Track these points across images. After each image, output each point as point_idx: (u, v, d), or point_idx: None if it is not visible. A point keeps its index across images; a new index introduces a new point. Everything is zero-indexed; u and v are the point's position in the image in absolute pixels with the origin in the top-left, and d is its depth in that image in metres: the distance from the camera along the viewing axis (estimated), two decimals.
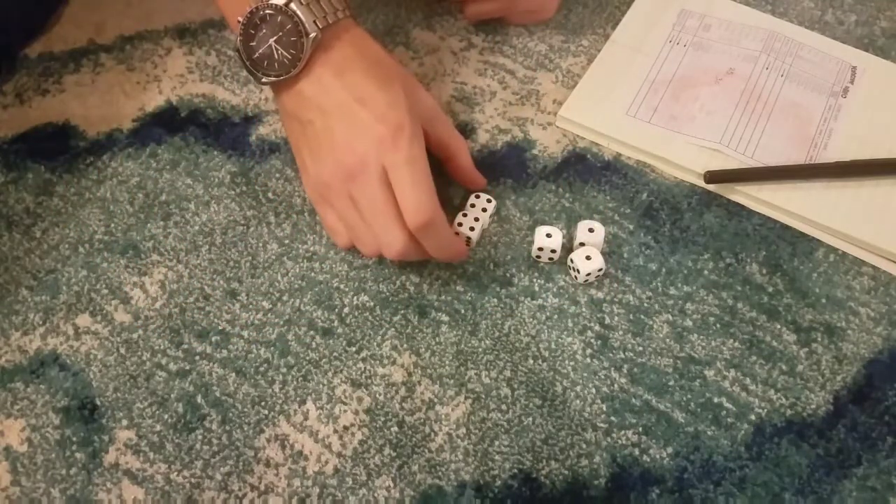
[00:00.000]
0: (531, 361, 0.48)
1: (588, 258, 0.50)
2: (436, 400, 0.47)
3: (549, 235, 0.50)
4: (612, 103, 0.58)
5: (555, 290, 0.51)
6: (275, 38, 0.45)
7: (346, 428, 0.46)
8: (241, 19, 0.45)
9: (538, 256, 0.51)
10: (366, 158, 0.44)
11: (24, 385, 0.47)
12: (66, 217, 0.53)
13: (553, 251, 0.51)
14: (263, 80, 0.46)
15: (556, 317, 0.50)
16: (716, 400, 0.47)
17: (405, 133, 0.44)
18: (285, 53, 0.45)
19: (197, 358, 0.48)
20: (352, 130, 0.45)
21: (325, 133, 0.45)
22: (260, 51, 0.45)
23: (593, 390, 0.47)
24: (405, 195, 0.44)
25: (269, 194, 0.54)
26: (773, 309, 0.50)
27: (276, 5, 0.44)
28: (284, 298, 0.50)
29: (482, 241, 0.52)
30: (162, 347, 0.48)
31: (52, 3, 0.63)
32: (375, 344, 0.49)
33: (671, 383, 0.48)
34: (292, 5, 0.44)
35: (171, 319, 0.49)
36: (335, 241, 0.50)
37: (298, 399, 0.47)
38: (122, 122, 0.57)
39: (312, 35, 0.44)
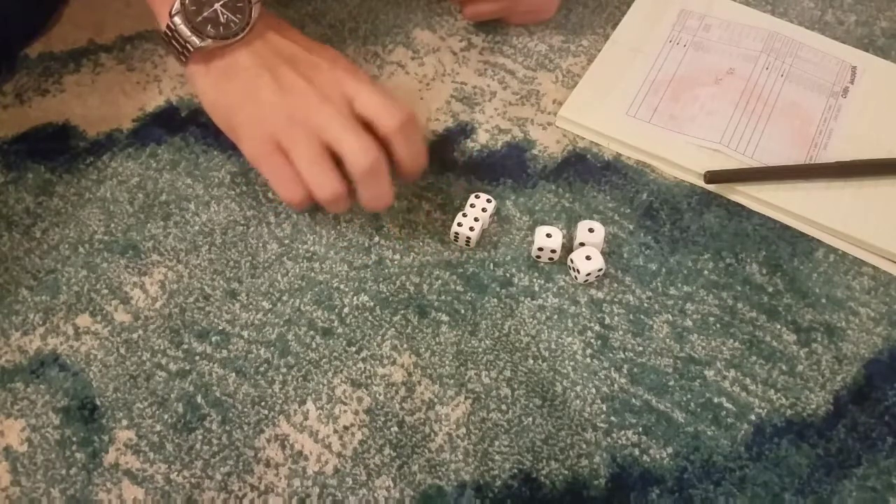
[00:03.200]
0: (531, 361, 0.48)
1: (588, 258, 0.50)
2: (436, 400, 0.47)
3: (549, 235, 0.50)
4: (612, 103, 0.58)
5: (555, 290, 0.51)
6: (220, 2, 0.47)
7: (346, 428, 0.46)
8: None
9: (538, 256, 0.51)
10: (330, 90, 0.46)
11: (24, 385, 0.47)
12: (66, 217, 0.53)
13: (553, 251, 0.51)
14: (204, 42, 0.46)
15: (556, 317, 0.50)
16: (716, 400, 0.47)
17: (359, 70, 0.49)
18: (232, 17, 0.47)
19: (197, 358, 0.48)
20: (310, 72, 0.47)
21: (282, 80, 0.47)
22: (204, 14, 0.46)
23: (593, 390, 0.47)
24: (377, 104, 0.46)
25: (269, 194, 0.54)
26: (773, 309, 0.50)
27: None
28: (284, 298, 0.50)
29: (482, 241, 0.52)
30: (162, 347, 0.48)
31: (52, 3, 0.63)
32: (375, 344, 0.49)
33: (671, 383, 0.48)
34: None
35: (171, 319, 0.49)
36: (288, 196, 0.48)
37: (298, 399, 0.47)
38: (122, 122, 0.57)
39: (257, 2, 0.47)
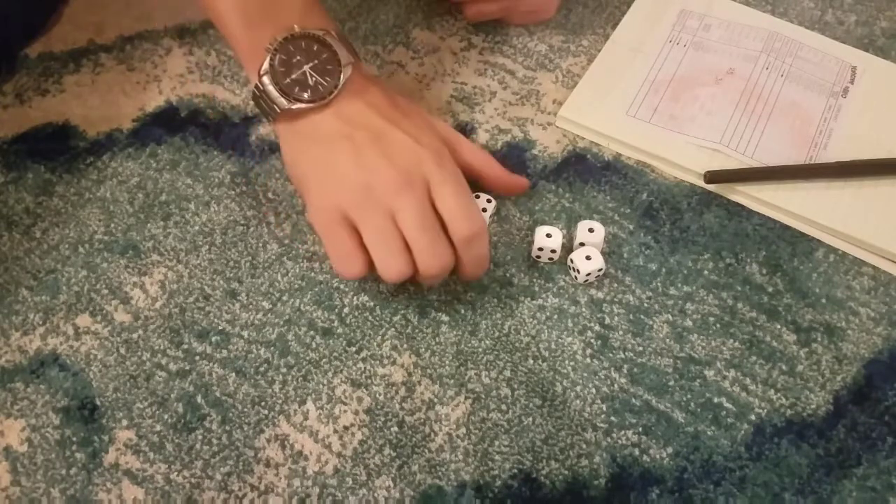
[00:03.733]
0: (531, 361, 0.48)
1: (588, 258, 0.50)
2: (436, 400, 0.47)
3: (549, 235, 0.50)
4: (612, 103, 0.58)
5: (555, 290, 0.51)
6: (310, 64, 0.46)
7: (346, 428, 0.46)
8: (271, 45, 0.46)
9: (538, 256, 0.51)
10: (411, 174, 0.45)
11: (24, 385, 0.47)
12: (66, 217, 0.53)
13: (553, 251, 0.51)
14: (294, 106, 0.46)
15: (556, 317, 0.50)
16: (716, 400, 0.47)
17: (444, 152, 0.46)
18: (321, 80, 0.46)
19: (197, 358, 0.48)
20: (392, 149, 0.45)
21: (360, 153, 0.45)
22: (292, 76, 0.46)
23: (593, 390, 0.47)
24: (454, 207, 0.45)
25: (269, 194, 0.54)
26: (773, 309, 0.50)
27: (313, 34, 0.46)
28: (284, 298, 0.50)
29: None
30: (162, 347, 0.48)
31: (52, 3, 0.63)
32: (375, 344, 0.49)
33: (671, 383, 0.48)
34: (327, 37, 0.46)
35: (171, 319, 0.49)
36: (344, 270, 0.46)
37: (298, 399, 0.47)
38: (122, 122, 0.57)
39: (348, 65, 0.46)
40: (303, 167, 0.47)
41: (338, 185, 0.45)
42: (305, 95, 0.46)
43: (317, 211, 0.47)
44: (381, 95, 0.48)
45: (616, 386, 0.47)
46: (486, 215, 0.52)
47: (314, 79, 0.46)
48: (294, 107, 0.46)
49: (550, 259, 0.51)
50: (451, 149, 0.48)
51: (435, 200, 0.45)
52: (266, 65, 0.46)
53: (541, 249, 0.51)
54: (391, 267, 0.45)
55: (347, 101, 0.47)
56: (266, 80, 0.46)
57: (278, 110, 0.46)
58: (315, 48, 0.46)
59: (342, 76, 0.46)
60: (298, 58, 0.46)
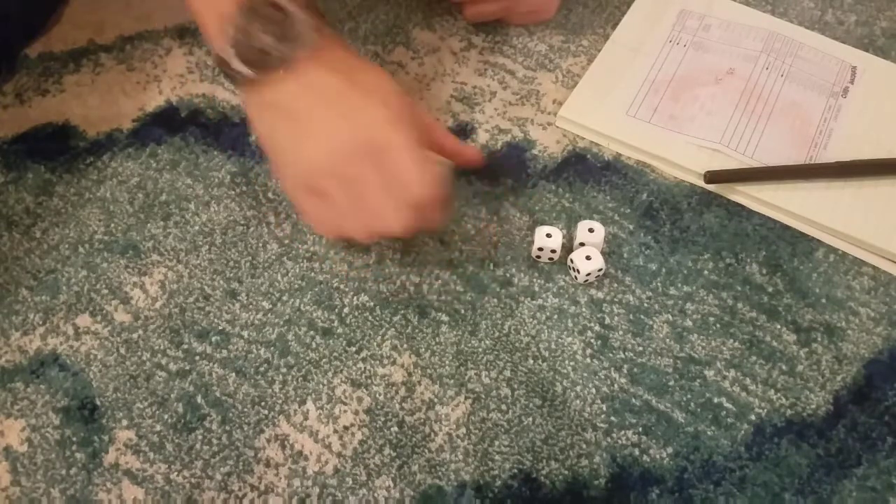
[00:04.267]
0: (531, 361, 0.48)
1: (588, 258, 0.50)
2: (436, 400, 0.47)
3: (549, 235, 0.50)
4: (612, 103, 0.58)
5: (555, 290, 0.51)
6: (269, 32, 0.44)
7: (346, 428, 0.46)
8: (230, 13, 0.44)
9: (538, 256, 0.51)
10: (373, 137, 0.44)
11: (24, 385, 0.47)
12: (66, 217, 0.53)
13: (553, 251, 0.51)
14: (250, 73, 0.45)
15: (556, 317, 0.50)
16: (716, 400, 0.47)
17: (407, 115, 0.45)
18: (280, 47, 0.44)
19: (197, 358, 0.48)
20: (355, 112, 0.45)
21: (324, 119, 0.45)
22: (251, 44, 0.45)
23: (593, 390, 0.47)
24: (412, 170, 0.45)
25: (269, 194, 0.54)
26: (773, 309, 0.50)
27: (273, 2, 0.45)
28: (284, 298, 0.50)
29: (482, 241, 0.52)
30: (162, 347, 0.48)
31: (52, 3, 0.63)
32: (375, 344, 0.49)
33: (671, 383, 0.48)
34: (284, 2, 0.45)
35: (171, 319, 0.49)
36: (321, 232, 0.49)
37: (298, 399, 0.47)
38: (122, 122, 0.57)
39: (307, 33, 0.45)
40: (268, 136, 0.48)
41: (304, 157, 0.46)
42: (265, 64, 0.45)
43: (284, 179, 0.48)
44: (344, 60, 0.47)
45: (616, 386, 0.47)
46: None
47: (274, 46, 0.44)
48: (254, 75, 0.45)
49: (550, 259, 0.51)
50: (411, 113, 0.48)
51: (393, 163, 0.45)
52: (226, 33, 0.45)
53: (541, 249, 0.51)
54: (359, 228, 0.47)
55: (309, 69, 0.45)
56: (226, 48, 0.45)
57: (240, 79, 0.46)
58: (275, 15, 0.45)
59: (302, 43, 0.45)
60: (258, 25, 0.44)
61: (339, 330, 0.49)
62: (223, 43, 0.45)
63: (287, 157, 0.47)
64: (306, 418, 0.46)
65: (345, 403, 0.47)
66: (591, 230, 0.51)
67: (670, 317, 0.50)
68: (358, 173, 0.45)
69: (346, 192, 0.45)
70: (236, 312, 0.49)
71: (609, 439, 0.46)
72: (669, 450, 0.45)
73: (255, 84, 0.46)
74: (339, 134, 0.45)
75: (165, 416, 0.46)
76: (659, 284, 0.51)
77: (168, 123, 0.57)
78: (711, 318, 0.50)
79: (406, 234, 0.46)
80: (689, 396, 0.47)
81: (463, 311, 0.50)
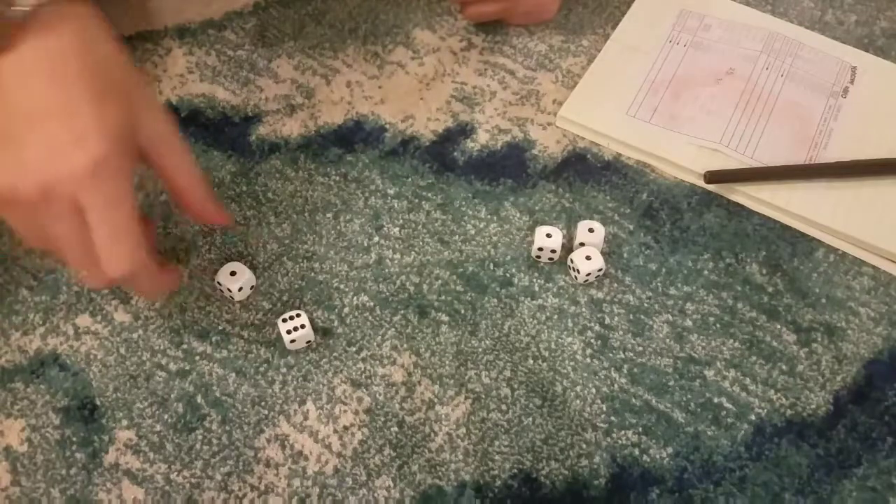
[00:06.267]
0: (531, 361, 0.48)
1: (588, 258, 0.50)
2: (436, 400, 0.47)
3: (549, 235, 0.50)
4: (612, 103, 0.58)
5: (555, 290, 0.51)
6: None
7: (346, 428, 0.46)
8: None
9: (538, 256, 0.51)
10: (56, 190, 0.36)
11: (24, 385, 0.47)
12: None
13: (553, 251, 0.51)
14: None
15: (556, 317, 0.50)
16: (716, 400, 0.47)
17: (108, 167, 0.36)
18: None
19: (197, 358, 0.48)
20: (42, 150, 0.36)
21: (8, 147, 0.36)
22: None
23: (593, 390, 0.47)
24: (102, 245, 0.37)
25: (269, 194, 0.54)
26: (773, 309, 0.50)
27: None
28: (284, 298, 0.50)
29: (482, 242, 0.52)
30: (162, 347, 0.48)
31: None
32: (375, 344, 0.49)
33: (671, 383, 0.48)
34: None
35: (171, 319, 0.49)
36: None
37: (298, 399, 0.47)
38: None
39: (21, 10, 0.36)
40: None
41: None
42: None
43: None
44: (70, 56, 0.37)
45: (616, 386, 0.47)
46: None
47: None
48: None
49: (550, 259, 0.51)
50: (153, 150, 0.40)
51: (87, 223, 0.37)
52: None
53: (541, 249, 0.51)
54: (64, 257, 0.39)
55: (13, 61, 0.36)
56: None
57: None
58: None
59: (5, 25, 0.36)
60: None
61: (339, 330, 0.49)
62: None
63: None
64: (306, 418, 0.46)
65: (345, 403, 0.47)
66: (591, 230, 0.51)
67: (670, 317, 0.50)
68: (48, 226, 0.37)
69: (33, 231, 0.38)
70: (236, 312, 0.49)
71: (609, 439, 0.46)
72: (669, 450, 0.45)
73: None
74: (27, 175, 0.36)
75: (165, 416, 0.46)
76: (659, 284, 0.51)
77: None
78: (711, 318, 0.50)
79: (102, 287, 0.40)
80: (689, 396, 0.47)
81: (463, 311, 0.50)
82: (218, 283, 0.49)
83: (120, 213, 0.38)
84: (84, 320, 0.49)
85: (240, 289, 0.48)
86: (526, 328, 0.49)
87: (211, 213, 0.44)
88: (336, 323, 0.49)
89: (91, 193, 0.36)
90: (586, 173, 0.56)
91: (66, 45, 0.37)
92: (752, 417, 0.47)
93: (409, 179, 0.55)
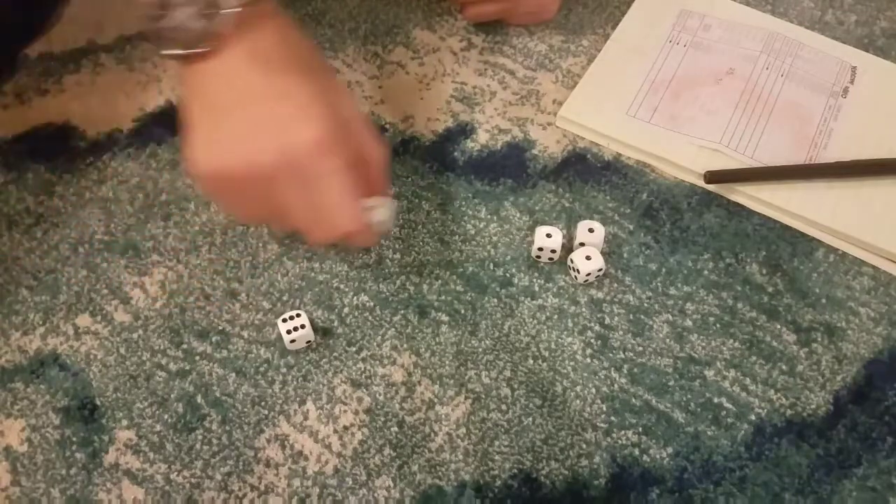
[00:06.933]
0: (531, 361, 0.48)
1: (588, 258, 0.50)
2: (436, 400, 0.47)
3: (549, 235, 0.50)
4: (612, 103, 0.58)
5: (555, 290, 0.51)
6: (190, 8, 0.40)
7: (346, 428, 0.46)
8: None
9: (538, 256, 0.51)
10: (291, 159, 0.41)
11: (24, 385, 0.47)
12: (66, 217, 0.53)
13: (553, 251, 0.51)
14: (164, 51, 0.41)
15: (556, 317, 0.50)
16: (716, 400, 0.47)
17: (333, 137, 0.41)
18: (195, 26, 0.40)
19: (197, 358, 0.48)
20: (271, 129, 0.41)
21: (239, 127, 0.41)
22: (168, 19, 0.40)
23: (593, 390, 0.47)
24: (332, 205, 0.42)
25: None
26: (773, 309, 0.50)
27: None
28: (284, 298, 0.50)
29: (482, 242, 0.52)
30: (162, 347, 0.48)
31: (52, 3, 0.63)
32: (375, 344, 0.49)
33: (671, 383, 0.48)
34: None
35: (171, 319, 0.49)
36: (236, 219, 0.49)
37: (298, 399, 0.47)
38: (122, 122, 0.57)
39: (229, 11, 0.40)
40: (189, 117, 0.43)
41: (217, 155, 0.42)
42: (180, 43, 0.41)
43: (197, 167, 0.42)
44: (277, 47, 0.42)
45: (616, 386, 0.47)
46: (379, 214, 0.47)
47: (191, 24, 0.40)
48: (166, 53, 0.41)
49: (550, 259, 0.51)
50: (349, 134, 0.43)
51: (312, 188, 0.42)
52: (145, 7, 0.41)
53: (541, 249, 0.51)
54: (279, 226, 0.45)
55: (232, 54, 0.41)
56: (147, 23, 0.41)
57: (164, 56, 0.42)
58: None
59: (223, 21, 0.40)
60: (179, 0, 0.40)
61: (339, 330, 0.49)
62: (145, 14, 0.41)
63: (203, 148, 0.42)
64: (306, 418, 0.46)
65: (345, 403, 0.47)
66: (591, 230, 0.51)
67: (670, 317, 0.50)
68: (279, 194, 0.42)
69: (264, 204, 0.43)
70: (236, 312, 0.49)
71: (609, 439, 0.46)
72: (669, 450, 0.45)
73: (175, 61, 0.42)
74: (261, 147, 0.41)
75: (165, 416, 0.46)
76: (659, 284, 0.51)
77: (168, 123, 0.57)
78: (711, 318, 0.50)
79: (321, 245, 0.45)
80: (689, 396, 0.47)
81: (463, 311, 0.50)
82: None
83: (346, 176, 0.42)
84: (84, 320, 0.49)
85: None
86: (526, 328, 0.49)
87: (380, 185, 0.47)
88: (336, 323, 0.49)
89: (321, 160, 0.41)
90: (586, 173, 0.56)
91: (273, 40, 0.42)
92: (752, 417, 0.47)
93: (409, 179, 0.55)
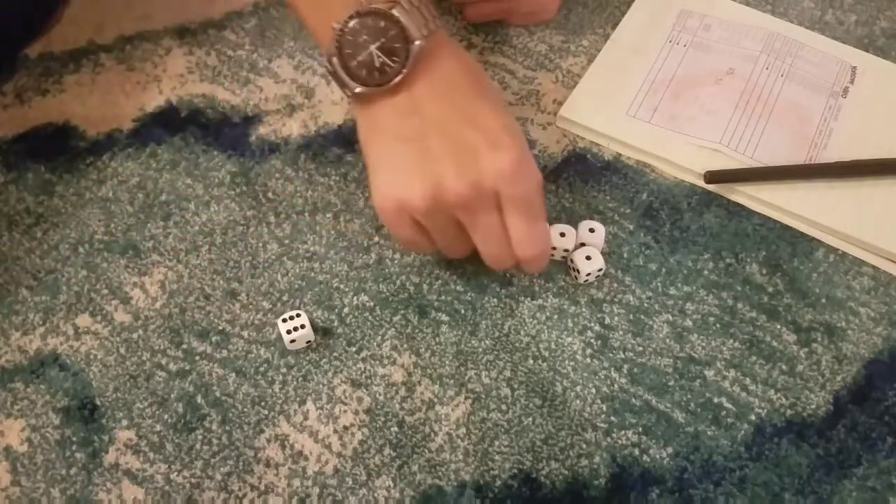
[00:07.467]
0: (531, 361, 0.48)
1: (588, 258, 0.50)
2: (436, 400, 0.47)
3: (562, 234, 0.50)
4: (612, 103, 0.58)
5: (555, 290, 0.51)
6: (376, 44, 0.42)
7: (346, 428, 0.46)
8: (336, 24, 0.42)
9: (551, 255, 0.51)
10: (484, 185, 0.42)
11: (24, 385, 0.47)
12: (66, 217, 0.53)
13: (566, 250, 0.50)
14: (358, 89, 0.43)
15: (556, 317, 0.50)
16: (716, 400, 0.47)
17: (522, 165, 0.43)
18: (387, 61, 0.42)
19: (197, 358, 0.48)
20: (464, 156, 0.42)
21: (428, 155, 0.42)
22: (359, 58, 0.42)
23: (593, 390, 0.47)
24: (523, 230, 0.44)
25: (269, 194, 0.54)
26: (773, 309, 0.50)
27: (379, 10, 0.42)
28: (284, 298, 0.50)
29: None
30: (162, 347, 0.48)
31: (52, 3, 0.63)
32: (375, 344, 0.49)
33: (671, 383, 0.48)
34: (395, 10, 0.42)
35: (171, 319, 0.49)
36: (416, 251, 0.51)
37: (298, 399, 0.47)
38: (122, 122, 0.57)
39: (418, 43, 0.42)
40: (370, 154, 0.45)
41: (403, 185, 0.43)
42: (371, 79, 0.42)
43: (382, 200, 0.44)
44: (458, 75, 0.44)
45: (616, 386, 0.47)
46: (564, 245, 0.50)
47: (380, 60, 0.42)
48: (359, 90, 0.43)
49: (563, 258, 0.51)
50: (532, 160, 0.45)
51: (503, 214, 0.43)
52: (333, 46, 0.42)
53: (554, 248, 0.50)
54: (457, 252, 0.47)
55: (418, 85, 0.43)
56: (334, 61, 0.43)
57: (348, 93, 0.43)
58: (382, 25, 0.42)
59: (410, 56, 0.42)
60: (365, 37, 0.42)
61: (339, 330, 0.49)
62: (330, 53, 0.43)
63: (387, 180, 0.44)
64: (306, 418, 0.46)
65: (345, 403, 0.47)
66: (591, 230, 0.51)
67: (670, 317, 0.50)
68: (467, 221, 0.43)
69: (448, 231, 0.44)
70: (236, 312, 0.49)
71: (609, 439, 0.46)
72: (669, 450, 0.45)
73: (360, 99, 0.44)
74: (454, 176, 0.42)
75: (165, 416, 0.46)
76: (659, 284, 0.51)
77: (168, 123, 0.57)
78: (711, 318, 0.50)
79: (501, 267, 0.47)
80: (689, 396, 0.47)
81: (463, 311, 0.50)
82: None
83: (536, 203, 0.44)
84: (84, 320, 0.49)
85: None
86: (526, 328, 0.49)
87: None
88: (336, 323, 0.49)
89: (512, 187, 0.42)
90: (586, 173, 0.56)
91: (457, 68, 0.44)
92: (752, 417, 0.47)
93: None
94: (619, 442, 0.46)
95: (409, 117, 0.43)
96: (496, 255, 0.45)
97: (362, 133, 0.46)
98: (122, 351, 0.48)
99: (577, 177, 0.56)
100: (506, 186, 0.42)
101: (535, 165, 0.44)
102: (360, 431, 0.46)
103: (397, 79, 0.42)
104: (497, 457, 0.45)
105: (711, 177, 0.54)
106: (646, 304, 0.50)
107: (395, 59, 0.42)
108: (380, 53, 0.42)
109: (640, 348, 0.49)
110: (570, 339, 0.49)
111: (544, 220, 0.46)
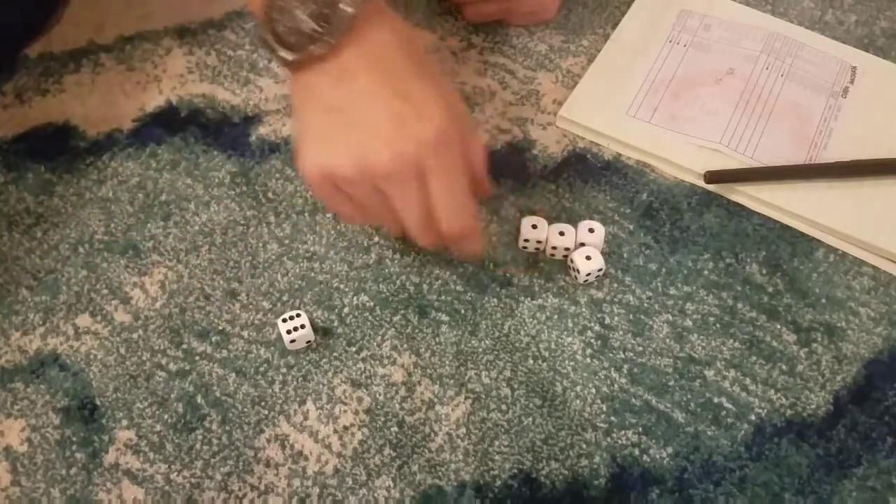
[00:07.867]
0: (531, 361, 0.48)
1: (588, 258, 0.50)
2: (436, 400, 0.47)
3: (562, 234, 0.50)
4: (612, 103, 0.58)
5: (555, 290, 0.51)
6: (305, 10, 0.41)
7: (346, 428, 0.46)
8: None
9: (524, 247, 0.51)
10: (408, 156, 0.41)
11: (24, 385, 0.47)
12: (66, 217, 0.53)
13: (566, 250, 0.50)
14: (284, 54, 0.42)
15: (556, 317, 0.50)
16: (716, 400, 0.47)
17: (448, 136, 0.42)
18: (316, 27, 0.41)
19: (197, 358, 0.48)
20: (389, 127, 0.42)
21: (355, 125, 0.42)
22: (288, 24, 0.41)
23: (593, 390, 0.47)
24: (443, 204, 0.43)
25: (269, 194, 0.54)
26: (773, 309, 0.50)
27: None
28: (284, 298, 0.50)
29: (482, 241, 0.52)
30: (162, 347, 0.48)
31: (52, 3, 0.63)
32: (375, 344, 0.49)
33: (671, 383, 0.48)
34: None
35: (171, 319, 0.49)
36: (343, 219, 0.51)
37: (298, 399, 0.47)
38: (122, 122, 0.57)
39: (349, 10, 0.41)
40: (300, 122, 0.45)
41: (329, 154, 0.43)
42: (299, 45, 0.41)
43: (308, 168, 0.44)
44: (391, 47, 0.43)
45: (616, 386, 0.47)
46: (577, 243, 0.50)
47: (309, 26, 0.41)
48: (290, 57, 0.42)
49: (563, 257, 0.51)
50: (462, 132, 0.44)
51: (427, 186, 0.43)
52: (262, 12, 0.42)
53: (554, 248, 0.51)
54: (384, 225, 0.46)
55: (347, 54, 0.42)
56: (263, 27, 0.42)
57: (278, 61, 0.43)
58: None
59: (341, 22, 0.41)
60: (295, 2, 0.41)
61: (339, 330, 0.49)
62: (262, 20, 0.42)
63: (315, 149, 0.44)
64: (306, 418, 0.46)
65: (345, 403, 0.47)
66: (591, 230, 0.51)
67: (670, 317, 0.50)
68: (391, 192, 0.43)
69: (373, 201, 0.44)
70: (236, 312, 0.49)
71: (609, 439, 0.46)
72: (669, 450, 0.45)
73: (291, 66, 0.43)
74: (379, 146, 0.41)
75: (165, 416, 0.46)
76: (659, 284, 0.51)
77: (168, 123, 0.57)
78: (711, 318, 0.50)
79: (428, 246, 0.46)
80: (689, 396, 0.47)
81: (463, 311, 0.50)
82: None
83: (459, 176, 0.43)
84: (84, 320, 0.49)
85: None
86: (526, 328, 0.49)
87: (482, 186, 0.48)
88: (336, 323, 0.49)
89: (436, 159, 0.42)
90: (586, 173, 0.56)
91: (387, 39, 0.43)
92: (752, 417, 0.47)
93: None
94: (619, 442, 0.46)
95: (339, 87, 0.42)
96: (417, 228, 0.44)
97: (294, 100, 0.46)
98: (122, 351, 0.48)
99: (577, 177, 0.56)
100: (429, 156, 0.42)
101: (475, 139, 0.44)
102: (360, 431, 0.46)
103: (325, 46, 0.41)
104: (497, 457, 0.45)
105: (711, 177, 0.54)
106: (646, 304, 0.50)
107: (324, 24, 0.41)
108: (308, 19, 0.41)
109: (640, 348, 0.49)
110: (570, 339, 0.49)
111: (468, 195, 0.44)
